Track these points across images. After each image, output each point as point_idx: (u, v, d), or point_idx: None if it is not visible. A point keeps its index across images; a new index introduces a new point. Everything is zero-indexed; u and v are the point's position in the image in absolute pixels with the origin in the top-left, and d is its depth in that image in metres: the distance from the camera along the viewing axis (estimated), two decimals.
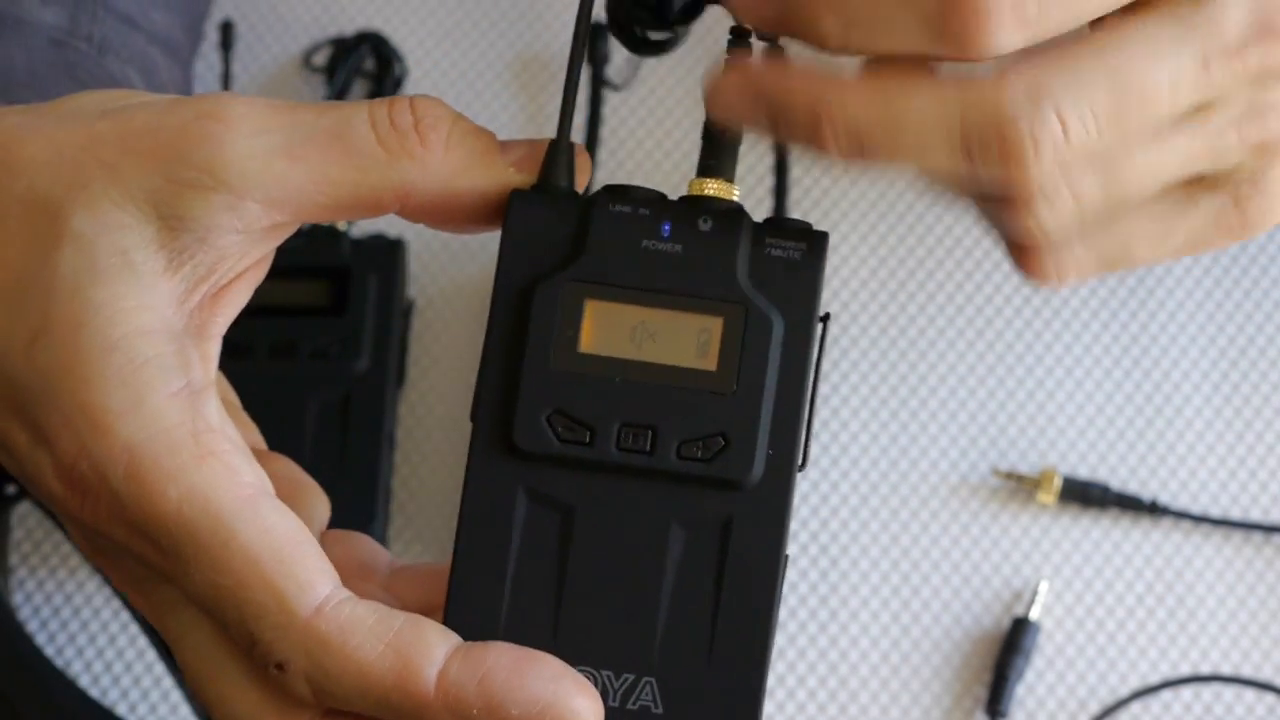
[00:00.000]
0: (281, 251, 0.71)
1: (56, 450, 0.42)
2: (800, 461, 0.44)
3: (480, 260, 0.76)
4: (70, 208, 0.43)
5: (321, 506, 0.49)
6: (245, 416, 0.51)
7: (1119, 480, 0.71)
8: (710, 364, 0.44)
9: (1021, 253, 0.45)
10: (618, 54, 0.79)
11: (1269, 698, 0.67)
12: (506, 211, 0.45)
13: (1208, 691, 0.67)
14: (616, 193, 0.45)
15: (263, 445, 0.51)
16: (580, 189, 0.45)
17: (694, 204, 0.45)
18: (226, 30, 0.80)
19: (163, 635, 0.45)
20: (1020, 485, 0.70)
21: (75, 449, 0.42)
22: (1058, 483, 0.69)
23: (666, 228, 0.44)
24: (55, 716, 0.62)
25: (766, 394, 0.44)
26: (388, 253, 0.72)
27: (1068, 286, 0.45)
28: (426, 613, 0.44)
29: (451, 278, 0.75)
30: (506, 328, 0.44)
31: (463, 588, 0.44)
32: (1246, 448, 0.71)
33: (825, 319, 0.45)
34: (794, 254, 0.44)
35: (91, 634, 0.69)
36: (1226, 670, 0.67)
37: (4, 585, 0.68)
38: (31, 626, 0.69)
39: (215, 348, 0.44)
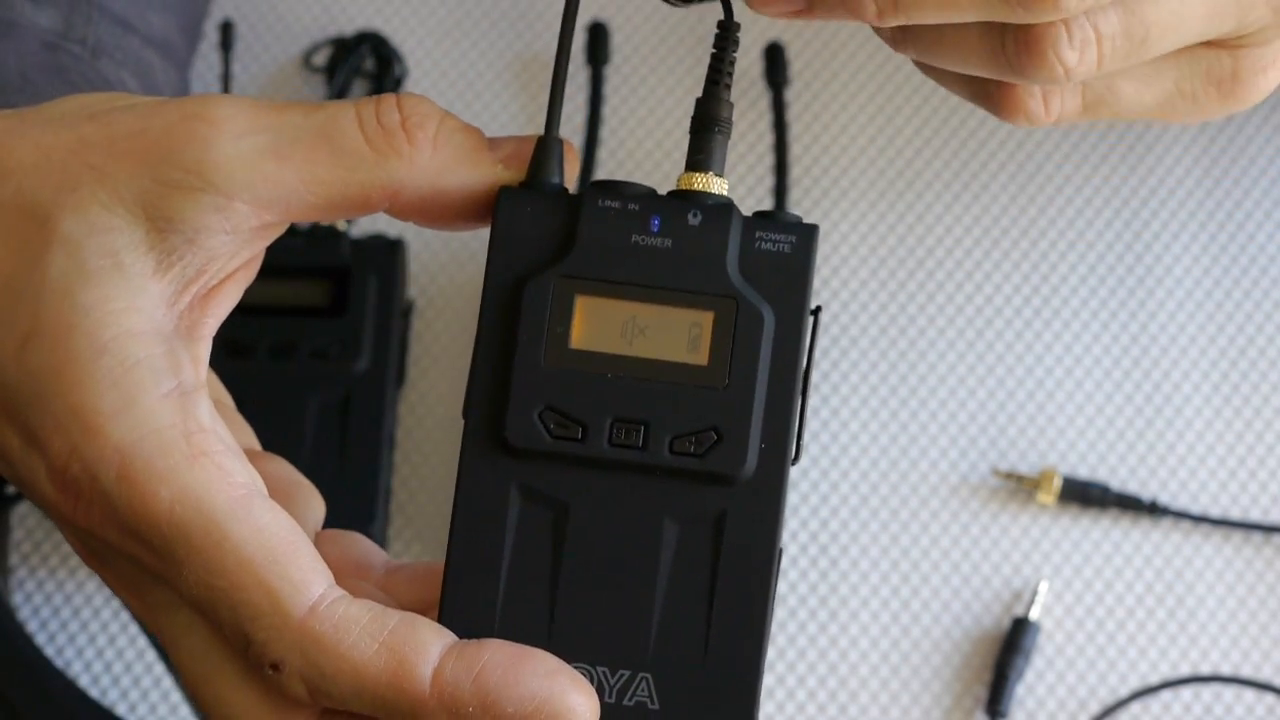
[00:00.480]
0: (281, 251, 0.71)
1: (49, 453, 0.42)
2: (794, 455, 0.44)
3: (480, 260, 0.76)
4: (59, 211, 0.43)
5: (316, 506, 0.49)
6: (239, 417, 0.51)
7: (1119, 480, 0.71)
8: (702, 358, 0.44)
9: (1003, 91, 0.45)
10: (617, 54, 0.79)
11: (1269, 698, 0.67)
12: (495, 209, 0.44)
13: (1208, 691, 0.67)
14: (605, 188, 0.45)
15: (256, 446, 0.51)
16: (569, 185, 0.45)
17: (683, 198, 0.45)
18: (226, 30, 0.80)
19: (158, 637, 0.45)
20: (1020, 485, 0.70)
21: (67, 451, 0.42)
22: (1058, 483, 0.69)
23: (656, 222, 0.44)
24: (55, 716, 0.62)
25: (758, 387, 0.44)
26: (388, 253, 0.72)
27: (1051, 122, 0.45)
28: (423, 611, 0.44)
29: (451, 278, 0.75)
30: (497, 325, 0.44)
31: (457, 585, 0.44)
32: (1246, 448, 0.71)
33: (816, 312, 0.45)
34: (784, 247, 0.44)
35: (91, 634, 0.69)
36: (1226, 670, 0.67)
37: (4, 585, 0.68)
38: (31, 626, 0.69)
39: (206, 349, 0.44)
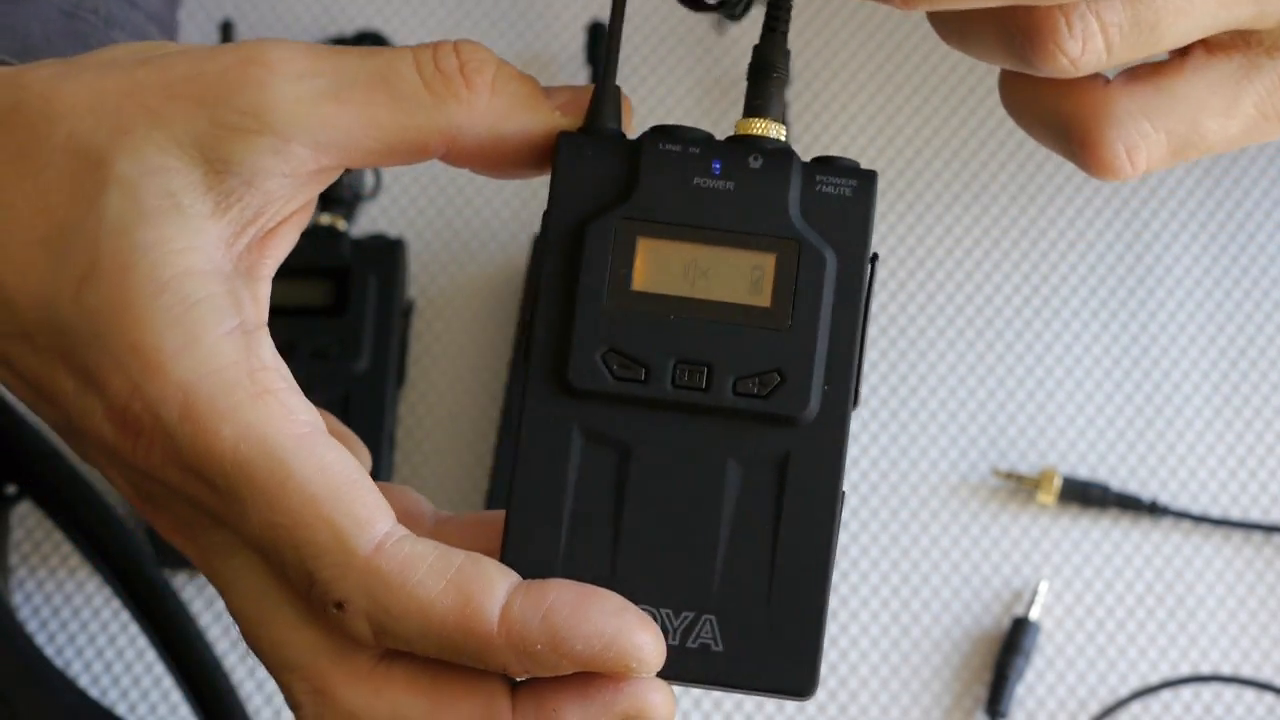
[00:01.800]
0: None
1: (108, 393, 0.42)
2: (855, 398, 0.44)
3: (480, 261, 0.76)
4: (114, 153, 0.42)
5: (364, 456, 0.49)
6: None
7: (1119, 480, 0.71)
8: (764, 300, 0.44)
9: (1086, 145, 0.45)
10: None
11: (1269, 698, 0.67)
12: (555, 152, 0.44)
13: (1208, 691, 0.67)
14: (665, 133, 0.44)
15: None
16: (626, 133, 0.45)
17: (743, 143, 0.45)
18: (226, 30, 0.80)
19: (212, 582, 0.44)
20: (1020, 485, 0.70)
21: (128, 390, 0.42)
22: (1058, 483, 0.69)
23: (717, 165, 0.44)
24: (55, 716, 0.62)
25: (821, 329, 0.44)
26: (388, 253, 0.72)
27: (1140, 174, 0.45)
28: None
29: (451, 278, 0.75)
30: (559, 268, 0.44)
31: (519, 527, 0.43)
32: (1246, 448, 0.71)
33: (874, 259, 0.45)
34: (845, 190, 0.44)
35: (91, 634, 0.69)
36: (1226, 670, 0.67)
37: (4, 585, 0.68)
38: (31, 626, 0.69)
39: (266, 289, 0.44)
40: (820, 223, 0.44)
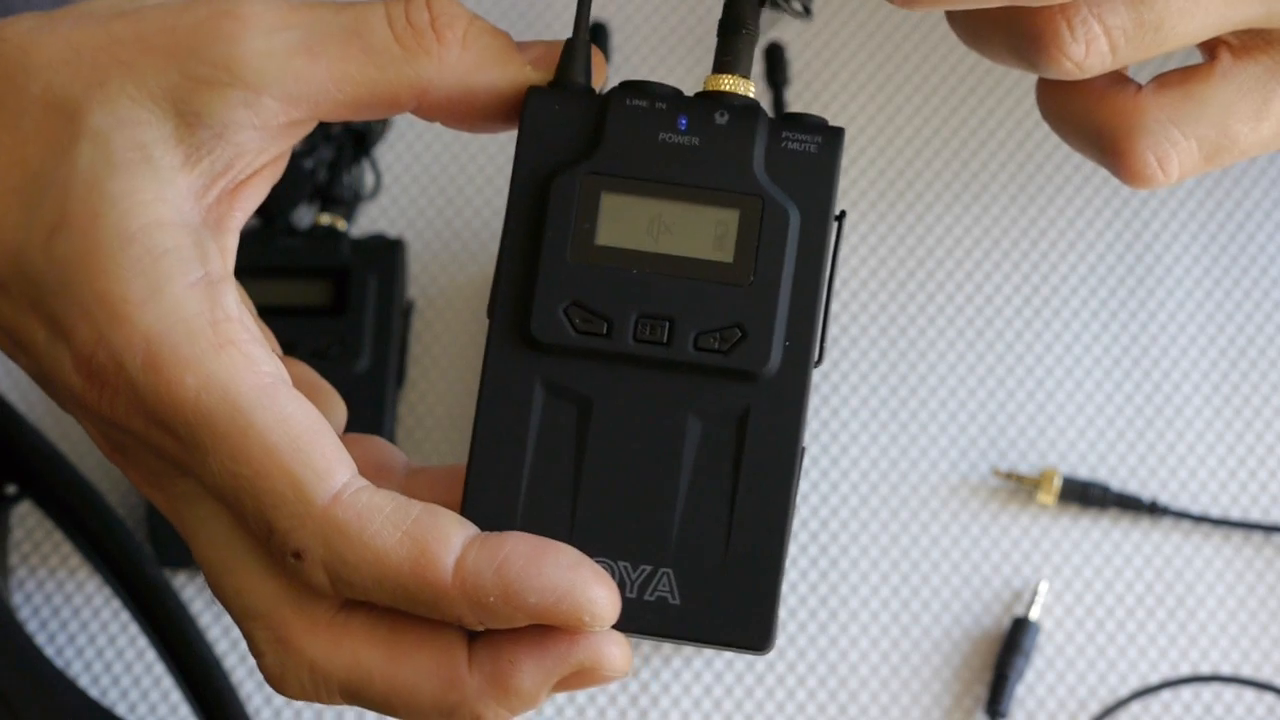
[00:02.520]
0: (281, 251, 0.72)
1: (74, 341, 0.42)
2: (817, 356, 0.44)
3: (480, 261, 0.76)
4: (88, 105, 0.43)
5: (339, 409, 0.49)
6: (264, 326, 0.51)
7: (1119, 480, 0.71)
8: (727, 255, 0.44)
9: (1118, 154, 0.45)
10: (618, 54, 0.79)
11: (1269, 698, 0.67)
12: (523, 107, 0.45)
13: (1208, 691, 0.67)
14: (633, 88, 0.45)
15: (278, 351, 0.51)
16: (596, 87, 0.45)
17: (710, 99, 0.45)
18: None
19: (179, 530, 0.45)
20: (1020, 485, 0.70)
21: (93, 339, 0.42)
22: (1058, 483, 0.69)
23: (683, 121, 0.44)
24: (55, 716, 0.62)
25: (783, 285, 0.44)
26: (388, 253, 0.72)
27: (1174, 180, 0.45)
28: None
29: (451, 278, 0.75)
30: (523, 222, 0.44)
31: (479, 479, 0.44)
32: (1246, 448, 0.71)
33: (841, 216, 0.45)
34: (810, 147, 0.44)
35: (91, 634, 0.69)
36: (1226, 670, 0.67)
37: (4, 585, 0.68)
38: (31, 626, 0.69)
39: (233, 241, 0.45)
40: (785, 179, 0.44)
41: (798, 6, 0.50)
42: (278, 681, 0.44)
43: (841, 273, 0.75)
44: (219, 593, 0.44)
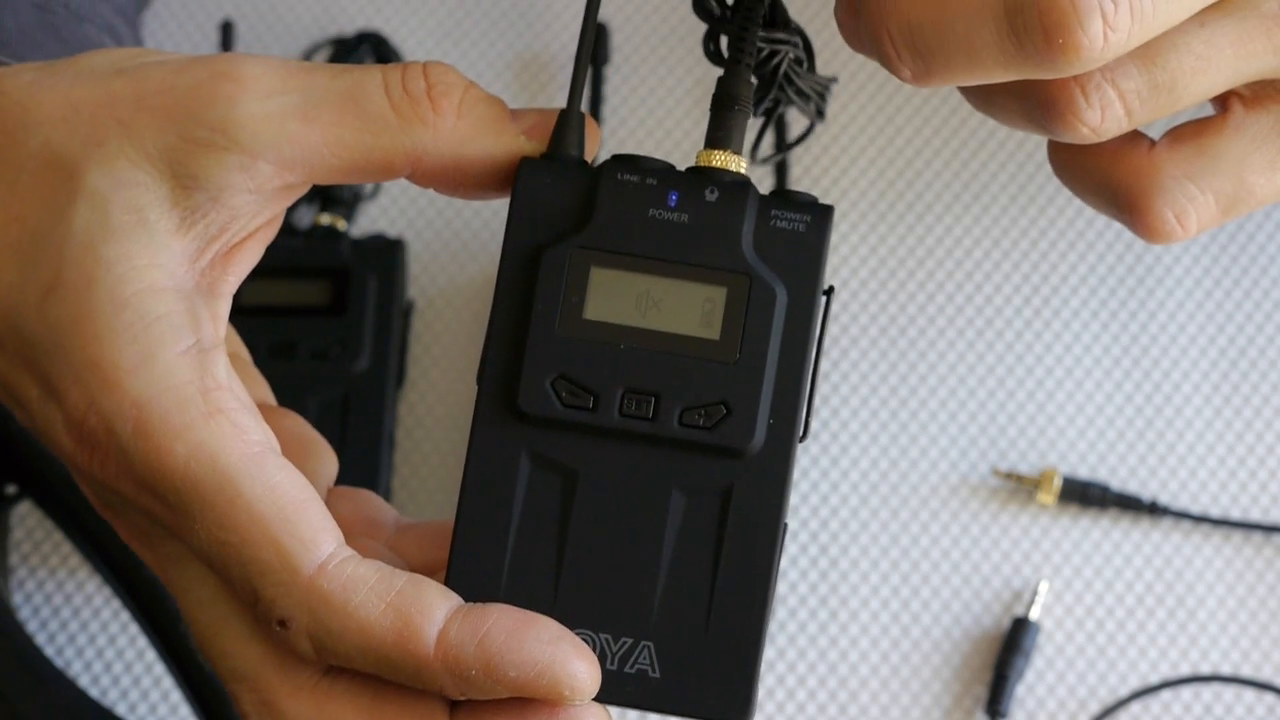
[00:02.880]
0: (281, 251, 0.72)
1: (66, 405, 0.42)
2: (802, 432, 0.44)
3: (480, 261, 0.76)
4: (86, 164, 0.43)
5: (330, 462, 0.50)
6: (255, 372, 0.52)
7: (1119, 480, 0.71)
8: (714, 333, 0.44)
9: (1136, 212, 0.45)
10: (617, 54, 0.79)
11: (1269, 698, 0.67)
12: (516, 178, 0.45)
13: (1208, 691, 0.67)
14: (625, 162, 0.45)
15: (272, 401, 0.51)
16: (590, 158, 0.46)
17: (701, 174, 0.45)
18: (226, 30, 0.80)
19: (168, 589, 0.45)
20: (1020, 485, 0.70)
21: (85, 404, 0.42)
22: (1058, 483, 0.69)
23: (674, 197, 0.45)
24: (55, 716, 0.62)
25: (769, 364, 0.44)
26: (388, 253, 0.72)
27: (1193, 235, 0.45)
28: (432, 571, 0.44)
29: (451, 278, 0.75)
30: (513, 293, 0.45)
31: (464, 549, 0.44)
32: (1246, 448, 0.71)
33: (829, 292, 0.45)
34: (799, 225, 0.45)
35: (91, 634, 0.69)
36: (1226, 670, 0.67)
37: (4, 585, 0.68)
38: (31, 627, 0.69)
39: (225, 306, 0.45)
40: (773, 257, 0.44)
41: (813, 109, 0.50)
42: None
43: (841, 273, 0.75)
44: (207, 653, 0.45)
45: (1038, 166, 0.77)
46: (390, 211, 0.77)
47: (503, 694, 0.42)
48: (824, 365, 0.73)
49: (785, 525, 0.44)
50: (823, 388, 0.72)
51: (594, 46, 0.79)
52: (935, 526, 0.70)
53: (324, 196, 0.75)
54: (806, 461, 0.71)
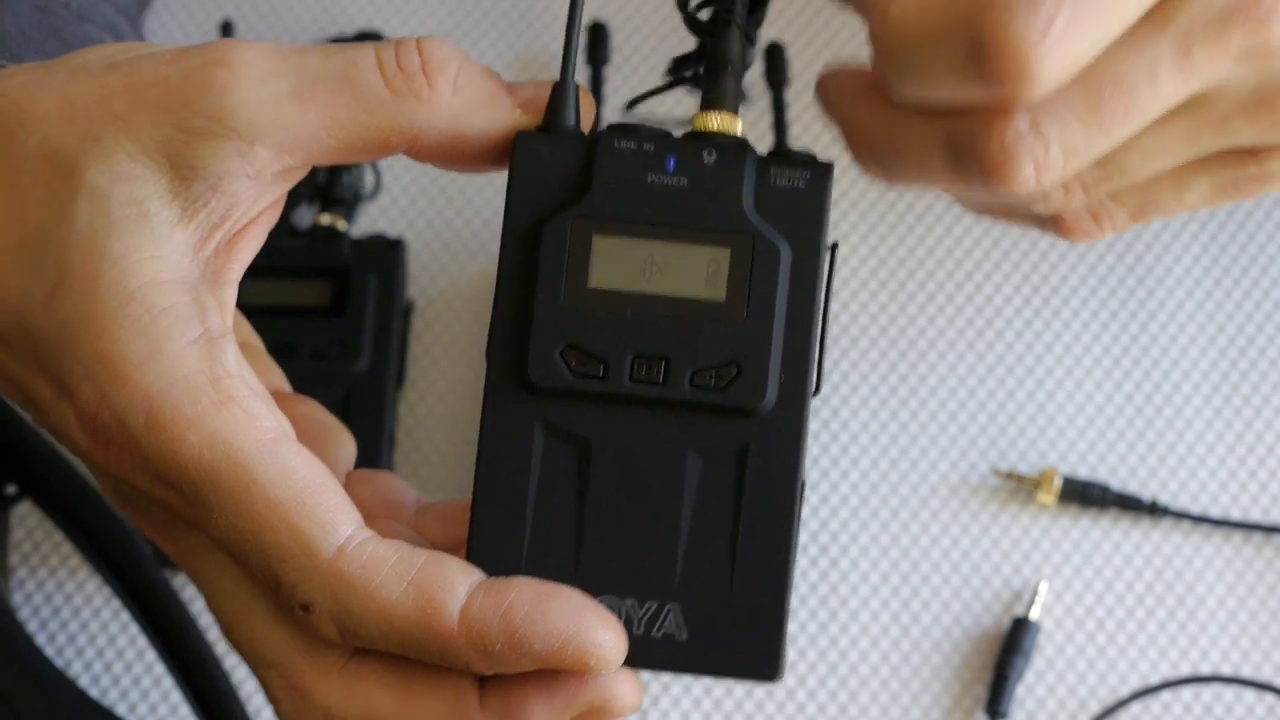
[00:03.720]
0: (281, 251, 0.72)
1: (78, 401, 0.42)
2: (814, 387, 0.44)
3: (480, 261, 0.76)
4: (84, 160, 0.43)
5: (347, 446, 0.50)
6: (269, 360, 0.52)
7: (1119, 480, 0.71)
8: (720, 294, 0.44)
9: (1059, 223, 0.46)
10: (617, 54, 0.79)
11: (1269, 698, 0.67)
12: (512, 152, 0.45)
13: (1208, 691, 0.67)
14: (621, 130, 0.45)
15: (287, 388, 0.51)
16: (585, 129, 0.46)
17: (698, 138, 0.45)
18: (226, 30, 0.80)
19: (191, 580, 0.45)
20: (1020, 485, 0.70)
21: (96, 399, 0.42)
22: (1058, 483, 0.69)
23: (672, 162, 0.45)
24: (55, 716, 0.62)
25: (776, 321, 0.44)
26: (388, 253, 0.72)
27: (1102, 238, 0.46)
28: (455, 549, 0.44)
29: (451, 278, 0.75)
30: (517, 266, 0.45)
31: (483, 524, 0.44)
32: (1246, 448, 0.71)
33: (834, 248, 0.45)
34: (799, 183, 0.45)
35: (91, 634, 0.69)
36: (1226, 670, 0.67)
37: (4, 585, 0.68)
38: (31, 626, 0.69)
39: (231, 294, 0.45)
40: (775, 215, 0.44)
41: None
42: None
43: (842, 273, 0.75)
44: (233, 641, 0.45)
45: None
46: (390, 211, 0.77)
47: (529, 667, 0.42)
48: (824, 364, 0.73)
49: (804, 481, 0.44)
50: (823, 388, 0.72)
51: (592, 47, 0.79)
52: (935, 526, 0.70)
53: (324, 196, 0.75)
54: (806, 461, 0.71)
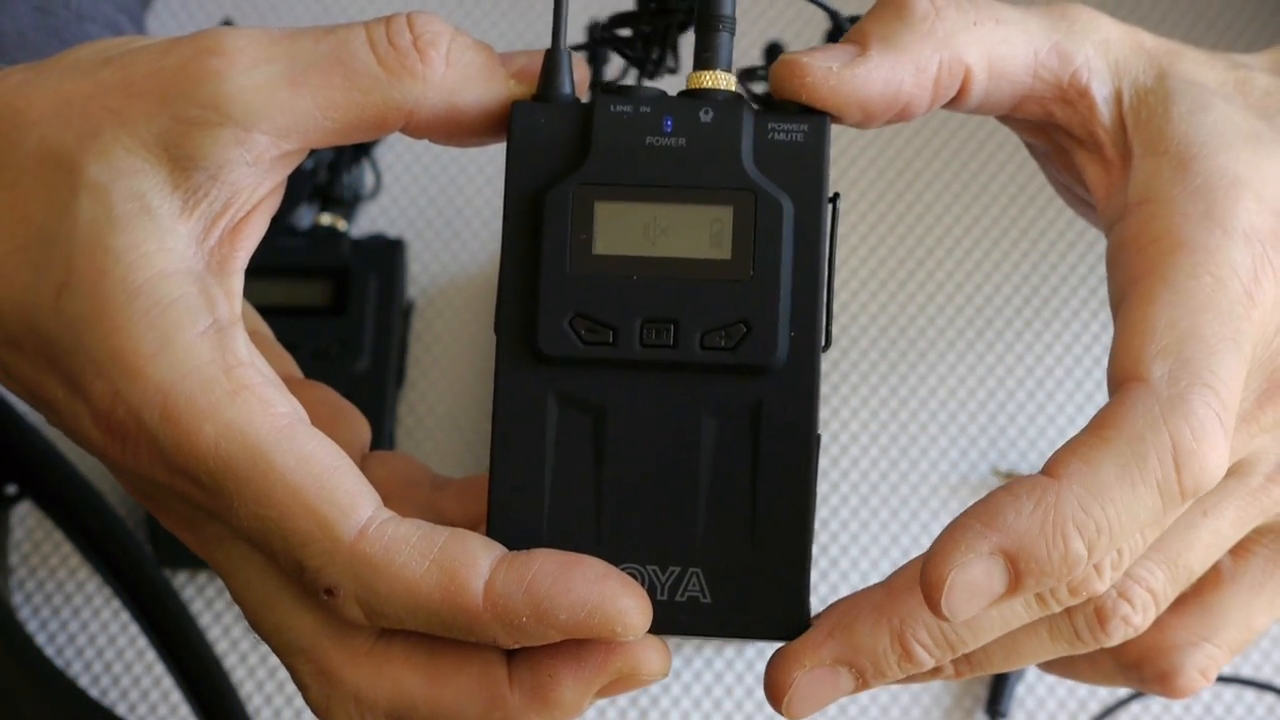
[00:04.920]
0: (282, 251, 0.72)
1: (91, 399, 0.42)
2: (824, 341, 0.44)
3: (480, 260, 0.76)
4: (83, 158, 0.43)
5: (362, 429, 0.50)
6: (280, 348, 0.52)
7: None
8: (725, 253, 0.44)
9: (1164, 681, 0.49)
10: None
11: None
12: (509, 122, 0.45)
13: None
14: (616, 93, 0.45)
15: (299, 374, 0.51)
16: (581, 96, 0.46)
17: (694, 96, 0.45)
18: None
19: (215, 570, 0.45)
20: None
21: (110, 396, 0.42)
22: None
23: (669, 122, 0.44)
24: (55, 716, 0.62)
25: (783, 276, 0.44)
26: (388, 253, 0.72)
27: (1212, 683, 0.53)
28: (474, 525, 0.44)
29: (451, 278, 0.75)
30: (520, 237, 0.44)
31: (502, 498, 0.44)
32: None
33: (835, 198, 0.45)
34: (797, 135, 0.45)
35: (91, 634, 0.69)
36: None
37: (4, 585, 0.68)
38: (31, 626, 0.69)
39: (238, 283, 0.45)
40: (775, 170, 0.44)
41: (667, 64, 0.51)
42: (324, 713, 0.44)
43: (842, 273, 0.75)
44: (259, 630, 0.45)
45: (1038, 167, 0.77)
46: (390, 211, 0.77)
47: (556, 638, 0.42)
48: (824, 365, 0.73)
49: (819, 436, 0.44)
50: (823, 388, 0.72)
51: (593, 53, 0.79)
52: (935, 526, 0.70)
53: (324, 196, 0.75)
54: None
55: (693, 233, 0.44)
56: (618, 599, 0.42)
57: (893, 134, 0.77)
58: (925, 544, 0.69)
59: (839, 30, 0.50)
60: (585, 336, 0.44)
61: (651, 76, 0.50)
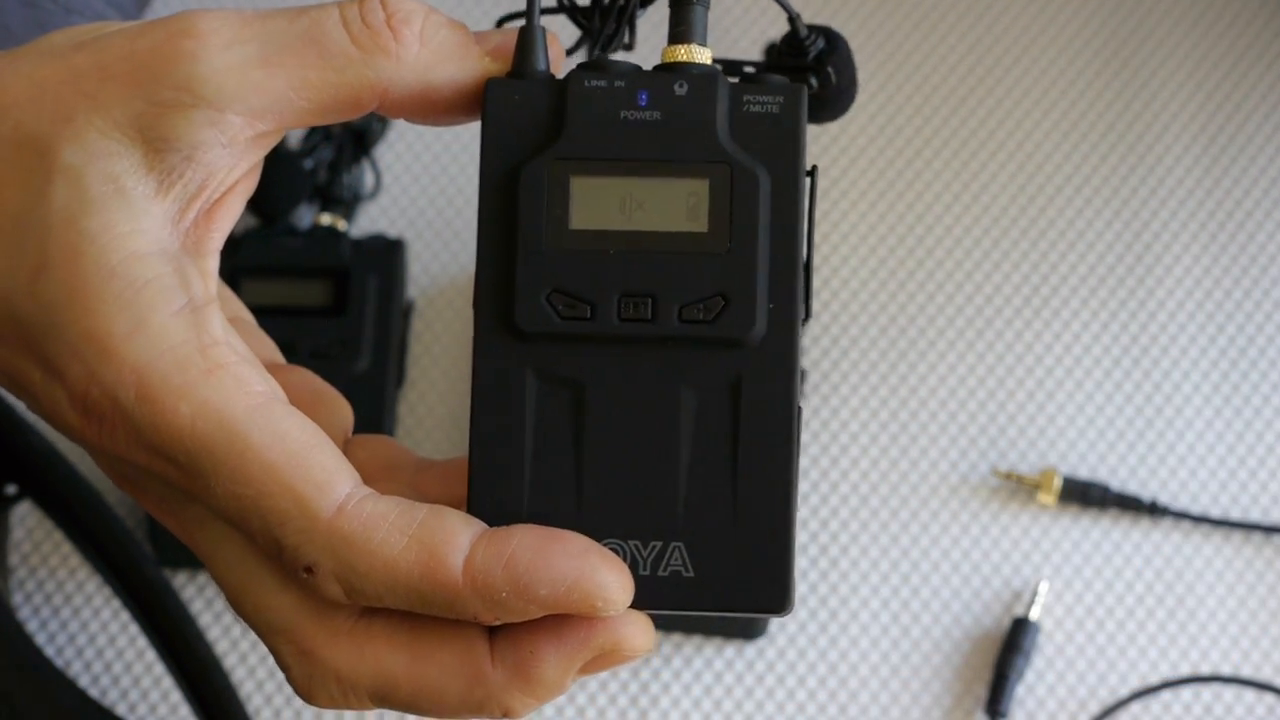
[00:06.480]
0: (281, 251, 0.72)
1: (68, 381, 0.42)
2: (804, 314, 0.44)
3: None
4: (58, 142, 0.43)
5: (344, 412, 0.50)
6: (262, 334, 0.52)
7: (1119, 480, 0.71)
8: (701, 225, 0.44)
9: None
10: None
11: (1269, 698, 0.67)
12: (484, 99, 0.45)
13: (1208, 691, 0.67)
14: (591, 68, 0.45)
15: (281, 360, 0.51)
16: (556, 72, 0.45)
17: (669, 70, 0.45)
18: None
19: (195, 552, 0.45)
20: (1020, 485, 0.70)
21: (85, 377, 0.42)
22: (1058, 483, 0.69)
23: (644, 96, 0.44)
24: (55, 716, 0.62)
25: (761, 249, 0.44)
26: (388, 253, 0.72)
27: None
28: (457, 506, 0.44)
29: (452, 278, 0.75)
30: (496, 214, 0.44)
31: (482, 474, 0.44)
32: (1246, 448, 0.71)
33: (813, 171, 0.45)
34: (773, 108, 0.44)
35: (91, 634, 0.69)
36: (1226, 670, 0.67)
37: (4, 585, 0.68)
38: (31, 626, 0.69)
39: (214, 263, 0.45)
40: (751, 142, 0.44)
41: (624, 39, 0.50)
42: (306, 693, 0.44)
43: (842, 272, 0.75)
44: (240, 611, 0.44)
45: (1038, 166, 0.77)
46: (390, 211, 0.77)
47: (537, 613, 0.42)
48: (824, 366, 0.73)
49: (800, 409, 0.44)
50: (822, 388, 0.72)
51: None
52: (935, 526, 0.70)
53: (324, 196, 0.75)
54: (806, 461, 0.71)
55: (669, 206, 0.44)
56: (598, 573, 0.42)
57: (894, 133, 0.77)
58: (925, 544, 0.70)
59: (795, 32, 0.49)
60: (563, 312, 0.44)
61: (605, 50, 0.50)
